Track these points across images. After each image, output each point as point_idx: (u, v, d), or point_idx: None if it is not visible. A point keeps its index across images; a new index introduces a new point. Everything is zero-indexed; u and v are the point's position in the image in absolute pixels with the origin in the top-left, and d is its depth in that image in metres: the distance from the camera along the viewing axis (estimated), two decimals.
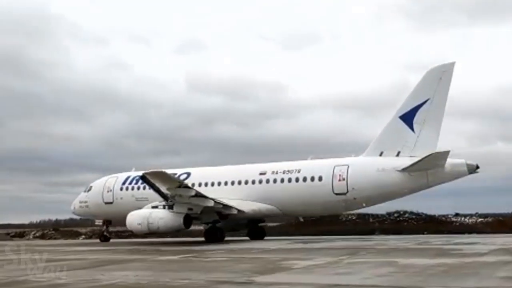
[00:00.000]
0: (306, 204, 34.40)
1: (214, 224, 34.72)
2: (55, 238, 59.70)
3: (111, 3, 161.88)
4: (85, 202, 40.84)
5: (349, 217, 53.23)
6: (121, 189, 39.13)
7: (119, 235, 51.17)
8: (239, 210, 34.01)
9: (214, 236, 34.21)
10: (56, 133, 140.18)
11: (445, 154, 29.98)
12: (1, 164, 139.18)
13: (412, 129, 31.84)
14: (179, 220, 32.45)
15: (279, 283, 12.53)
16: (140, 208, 34.41)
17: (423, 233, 41.61)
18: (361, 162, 33.50)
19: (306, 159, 36.50)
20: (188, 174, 37.42)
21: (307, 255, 20.67)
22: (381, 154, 32.73)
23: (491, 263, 15.30)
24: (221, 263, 18.45)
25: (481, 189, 77.70)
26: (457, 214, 57.19)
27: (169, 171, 35.04)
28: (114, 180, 39.92)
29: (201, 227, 37.75)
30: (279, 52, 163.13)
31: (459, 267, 14.29)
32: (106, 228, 41.85)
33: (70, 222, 79.27)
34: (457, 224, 51.70)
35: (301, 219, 39.95)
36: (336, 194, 32.90)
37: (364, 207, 35.28)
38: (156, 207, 33.51)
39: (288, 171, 34.79)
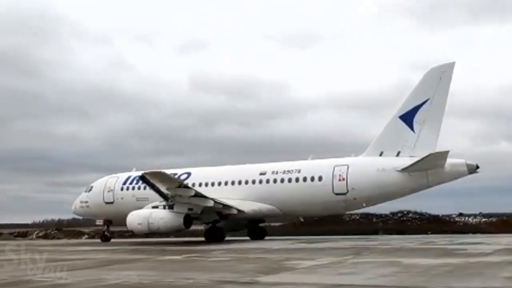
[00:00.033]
0: (306, 204, 34.44)
1: (214, 224, 34.76)
2: (58, 238, 59.77)
3: (114, 3, 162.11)
4: (86, 202, 40.90)
5: (353, 217, 53.19)
6: (122, 189, 39.18)
7: (122, 235, 51.09)
8: (239, 210, 34.05)
9: (214, 236, 34.24)
10: (59, 133, 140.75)
11: (444, 154, 30.04)
12: (4, 164, 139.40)
13: (412, 129, 31.90)
14: (179, 220, 32.48)
15: (283, 283, 12.52)
16: (140, 208, 34.48)
17: (426, 233, 41.63)
18: (361, 162, 33.56)
19: (306, 159, 36.54)
20: (189, 174, 37.46)
21: (311, 255, 20.64)
22: (381, 154, 32.79)
23: (495, 263, 15.30)
24: (225, 263, 18.42)
25: (485, 189, 77.64)
26: (460, 214, 56.94)
27: (170, 171, 35.16)
28: (115, 180, 39.94)
29: (203, 227, 37.78)
30: (281, 51, 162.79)
31: (464, 267, 14.30)
32: (107, 228, 41.83)
33: (73, 222, 79.28)
34: (461, 224, 51.64)
35: (301, 219, 40.06)
36: (336, 194, 32.96)
37: (364, 207, 35.39)
38: (156, 207, 33.55)
39: (288, 171, 34.83)
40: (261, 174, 35.49)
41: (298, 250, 24.64)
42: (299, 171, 34.49)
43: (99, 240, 43.10)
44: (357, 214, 51.32)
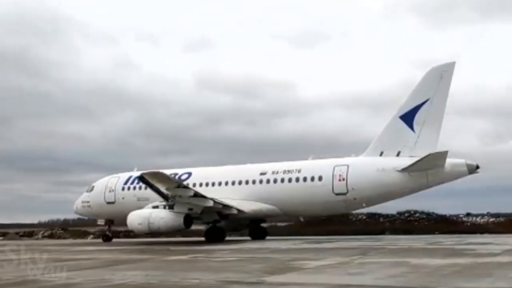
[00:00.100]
0: (306, 204, 34.47)
1: (215, 224, 34.72)
2: (63, 238, 59.86)
3: (119, 3, 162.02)
4: (88, 202, 40.92)
5: (359, 217, 53.18)
6: (123, 189, 39.22)
7: (127, 235, 50.87)
8: (239, 210, 34.07)
9: (215, 236, 34.22)
10: (65, 133, 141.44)
11: (444, 154, 30.06)
12: (10, 164, 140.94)
13: (412, 129, 31.95)
14: (180, 220, 32.50)
15: (290, 283, 12.44)
16: (142, 208, 34.49)
17: (434, 233, 41.63)
18: (361, 162, 33.59)
19: (306, 159, 36.54)
20: (189, 174, 37.47)
21: (318, 255, 20.55)
22: (381, 154, 32.83)
23: (505, 263, 15.26)
24: (231, 263, 18.36)
25: (493, 188, 77.30)
26: (468, 214, 56.87)
27: (170, 171, 35.17)
28: (116, 180, 39.93)
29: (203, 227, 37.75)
30: (287, 50, 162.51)
31: (472, 268, 14.26)
32: (109, 228, 41.96)
33: (79, 222, 78.92)
34: (469, 224, 51.45)
35: (302, 219, 40.07)
36: (336, 194, 33.01)
37: (364, 207, 35.46)
38: (156, 207, 33.56)
39: (289, 171, 34.85)
40: (261, 174, 35.49)
41: (305, 250, 24.54)
42: (299, 171, 34.51)
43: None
44: (363, 214, 51.36)
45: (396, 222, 52.10)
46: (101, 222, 41.91)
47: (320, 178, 33.64)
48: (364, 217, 53.26)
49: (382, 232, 44.14)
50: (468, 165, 31.17)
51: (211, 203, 32.80)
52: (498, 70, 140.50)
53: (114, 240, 42.41)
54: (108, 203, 39.53)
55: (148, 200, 35.53)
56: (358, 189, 32.47)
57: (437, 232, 42.37)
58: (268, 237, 38.66)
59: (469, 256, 17.91)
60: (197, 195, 32.43)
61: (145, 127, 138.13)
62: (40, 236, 63.14)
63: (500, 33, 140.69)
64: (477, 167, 31.42)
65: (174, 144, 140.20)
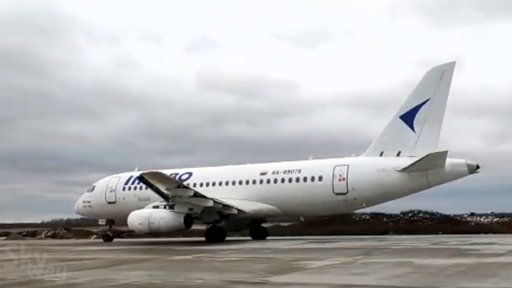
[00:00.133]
0: (306, 204, 34.48)
1: (215, 224, 34.72)
2: (66, 238, 59.76)
3: (122, 3, 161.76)
4: (88, 202, 40.90)
5: (363, 217, 53.02)
6: (124, 189, 39.23)
7: (130, 234, 50.56)
8: (239, 210, 34.07)
9: (215, 236, 34.21)
10: (68, 133, 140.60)
11: (443, 154, 30.07)
12: (13, 164, 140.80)
13: (413, 129, 31.96)
14: (180, 220, 32.50)
15: (294, 283, 12.43)
16: (142, 208, 34.47)
17: (438, 233, 41.58)
18: (361, 162, 33.60)
19: (307, 159, 36.56)
20: (190, 174, 37.48)
21: (321, 255, 20.54)
22: (381, 154, 32.84)
23: (509, 263, 15.27)
24: (234, 263, 18.36)
25: (497, 188, 76.89)
26: (472, 214, 56.32)
27: (171, 171, 35.17)
28: (117, 180, 39.93)
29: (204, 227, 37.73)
30: (291, 50, 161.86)
31: (477, 268, 14.27)
32: (109, 227, 42.01)
33: (81, 222, 78.81)
34: (473, 224, 51.08)
35: (302, 219, 40.08)
36: (336, 194, 33.02)
37: (364, 207, 35.49)
38: (157, 207, 33.54)
39: (289, 171, 34.86)
40: (261, 174, 35.51)
41: (309, 250, 24.55)
42: (299, 171, 34.52)
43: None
44: (367, 214, 51.21)
45: (400, 222, 51.87)
46: (102, 222, 41.83)
47: (320, 178, 33.65)
48: (367, 217, 53.10)
49: (385, 232, 44.02)
50: (468, 165, 31.19)
51: (211, 203, 32.80)
52: (500, 70, 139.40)
53: (115, 240, 42.45)
54: (109, 203, 39.54)
55: (149, 200, 35.53)
56: (358, 189, 32.48)
57: (440, 232, 42.28)
58: (270, 237, 38.72)
59: (474, 256, 17.90)
60: (197, 195, 32.43)
61: (148, 127, 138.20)
62: (43, 236, 63.07)
63: (502, 33, 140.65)
64: (478, 167, 31.44)
65: (177, 144, 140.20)
